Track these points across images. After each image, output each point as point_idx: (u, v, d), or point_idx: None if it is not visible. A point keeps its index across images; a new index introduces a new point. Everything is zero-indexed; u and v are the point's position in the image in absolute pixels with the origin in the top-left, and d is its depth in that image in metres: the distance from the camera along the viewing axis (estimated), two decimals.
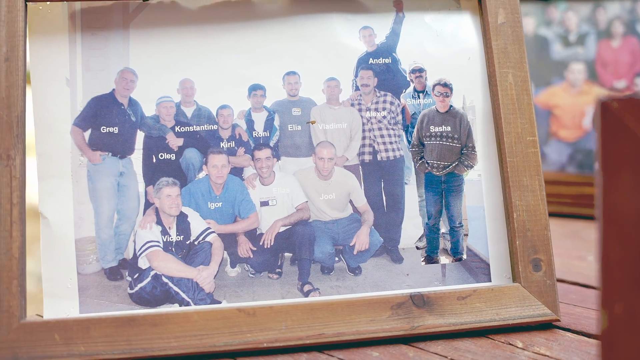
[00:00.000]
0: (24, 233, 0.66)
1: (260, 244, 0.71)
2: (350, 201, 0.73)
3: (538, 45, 1.16)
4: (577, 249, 1.05)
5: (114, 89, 0.71)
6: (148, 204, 0.71)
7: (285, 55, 0.73)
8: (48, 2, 0.70)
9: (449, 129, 0.74)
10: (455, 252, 0.73)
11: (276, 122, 0.73)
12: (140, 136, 0.71)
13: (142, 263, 0.70)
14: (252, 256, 0.71)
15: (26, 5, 0.68)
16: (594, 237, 1.07)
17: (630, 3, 1.11)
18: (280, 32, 0.73)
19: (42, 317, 0.67)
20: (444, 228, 0.73)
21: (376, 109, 0.73)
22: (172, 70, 0.72)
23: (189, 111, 0.72)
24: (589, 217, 1.16)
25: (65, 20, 0.71)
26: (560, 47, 1.15)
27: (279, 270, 0.71)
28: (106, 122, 0.71)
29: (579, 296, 0.80)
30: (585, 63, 1.12)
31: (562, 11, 1.15)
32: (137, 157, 0.71)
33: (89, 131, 0.71)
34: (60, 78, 0.71)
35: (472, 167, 0.74)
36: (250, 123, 0.72)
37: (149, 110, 0.71)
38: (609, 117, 0.46)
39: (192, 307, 0.68)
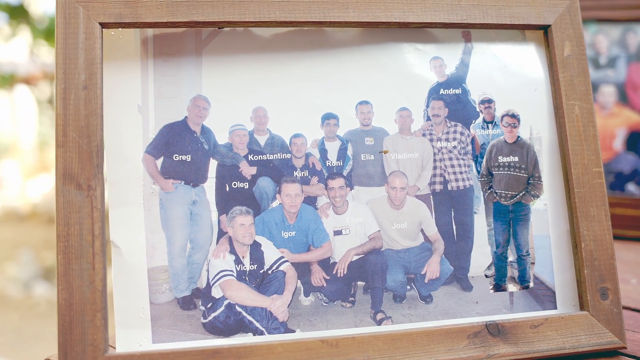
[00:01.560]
0: (105, 265, 0.65)
1: (334, 272, 0.71)
2: (422, 230, 0.73)
3: None
4: (619, 272, 1.07)
5: (186, 117, 0.71)
6: (221, 233, 0.70)
7: (358, 84, 0.73)
8: (120, 29, 0.69)
9: (516, 159, 0.75)
10: (522, 280, 0.74)
11: (349, 152, 0.73)
12: (213, 164, 0.71)
13: (216, 292, 0.69)
14: (325, 285, 0.71)
15: (102, 31, 0.68)
16: (633, 259, 1.09)
17: None
18: (353, 60, 0.74)
19: (114, 348, 0.67)
20: (511, 256, 0.74)
21: (447, 139, 0.74)
22: (245, 98, 0.72)
23: (262, 139, 0.72)
24: (621, 238, 1.18)
25: (137, 47, 0.71)
26: (591, 70, 1.17)
27: (352, 298, 0.71)
28: (179, 150, 0.70)
29: (634, 321, 0.82)
30: (616, 86, 1.14)
31: (593, 34, 1.17)
32: (210, 186, 0.71)
33: (161, 159, 0.70)
34: (132, 105, 0.70)
35: (538, 196, 0.75)
36: (323, 152, 0.72)
37: (222, 138, 0.71)
38: None
39: (275, 339, 0.68)
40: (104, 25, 0.67)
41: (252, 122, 0.72)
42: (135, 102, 0.70)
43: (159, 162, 0.70)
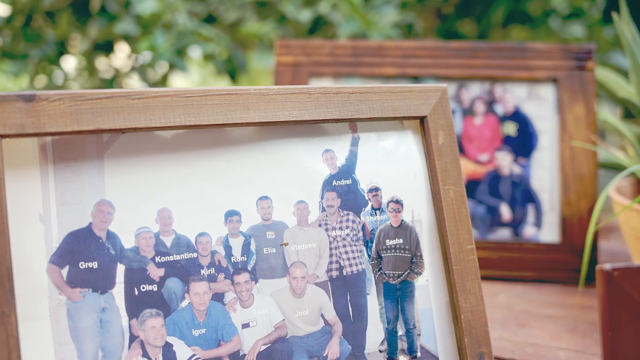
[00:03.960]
0: None
1: None
2: (322, 315, 0.78)
3: None
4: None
5: (90, 223, 0.70)
6: (133, 338, 0.70)
7: (257, 180, 0.76)
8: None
9: (401, 241, 0.82)
10: (411, 351, 0.81)
11: (252, 247, 0.76)
12: (120, 269, 0.71)
13: None
14: None
15: (0, 141, 0.65)
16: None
17: (489, 85, 1.26)
18: (252, 157, 0.76)
19: None
20: (400, 330, 0.81)
21: (340, 228, 0.79)
22: (150, 200, 0.72)
23: (168, 240, 0.72)
24: None
25: (36, 153, 0.68)
26: None
27: None
28: (84, 257, 0.69)
29: None
30: None
31: None
32: (118, 291, 0.70)
33: (67, 268, 0.69)
34: (33, 214, 0.68)
35: (421, 274, 0.82)
36: (228, 249, 0.74)
37: (128, 242, 0.71)
38: (610, 283, 0.57)
39: None
40: (3, 136, 0.65)
41: (158, 224, 0.72)
42: (37, 210, 0.68)
43: (65, 271, 0.68)
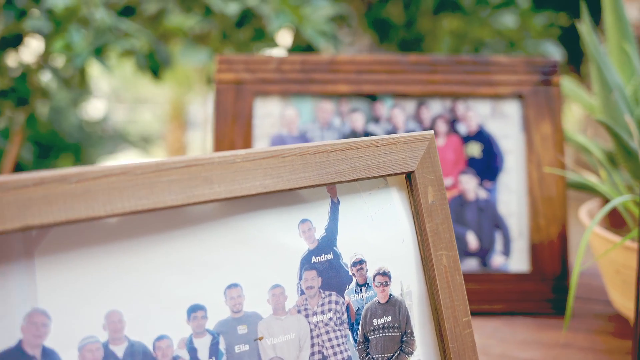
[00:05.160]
0: None
1: None
2: None
3: None
4: None
5: (21, 340, 0.55)
6: None
7: (224, 265, 0.63)
8: None
9: (389, 319, 0.71)
10: None
11: (221, 346, 0.63)
12: None
13: None
14: None
15: None
16: None
17: (450, 102, 1.16)
18: (216, 237, 0.63)
19: None
20: None
21: (322, 312, 0.67)
22: (94, 302, 0.58)
23: (119, 350, 0.59)
24: None
25: None
26: None
27: None
28: None
29: None
30: None
31: (389, 108, 1.17)
32: None
33: None
34: None
35: (412, 353, 0.72)
36: (193, 351, 0.61)
37: (70, 358, 0.57)
38: None
39: None
40: None
41: (106, 331, 0.58)
42: None
43: None
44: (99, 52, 1.81)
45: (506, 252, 1.16)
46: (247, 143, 1.15)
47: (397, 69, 1.16)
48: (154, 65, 2.19)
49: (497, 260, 1.16)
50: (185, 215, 0.62)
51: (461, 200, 1.16)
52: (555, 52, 2.41)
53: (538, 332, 1.09)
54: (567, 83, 1.30)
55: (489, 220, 1.16)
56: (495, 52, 2.49)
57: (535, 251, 1.15)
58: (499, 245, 1.16)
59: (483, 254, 1.16)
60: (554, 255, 1.15)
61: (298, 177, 0.65)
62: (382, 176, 0.70)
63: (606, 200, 1.20)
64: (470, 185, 1.16)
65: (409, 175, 0.72)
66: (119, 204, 0.57)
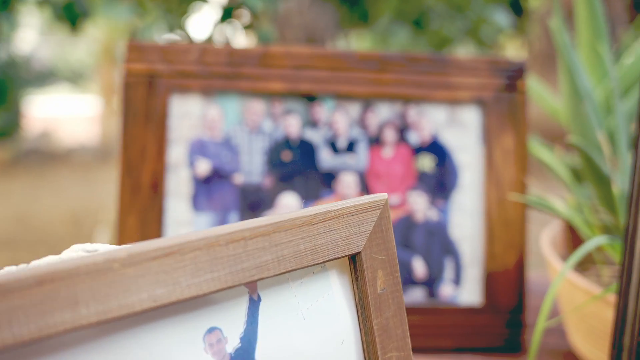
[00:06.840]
0: None
1: None
2: None
3: (303, 151, 0.99)
4: None
5: None
6: None
7: None
8: None
9: None
10: None
11: None
12: None
13: None
14: None
15: None
16: None
17: (401, 106, 1.00)
18: None
19: None
20: None
21: None
22: None
23: None
24: None
25: None
26: (329, 155, 0.99)
27: None
28: None
29: None
30: (357, 173, 0.99)
31: (330, 110, 1.00)
32: None
33: None
34: None
35: None
36: None
37: None
38: None
39: None
40: None
41: None
42: None
43: None
44: (5, 7, 1.55)
45: (457, 280, 1.02)
46: (160, 148, 0.96)
47: (340, 65, 0.98)
48: (72, 16, 1.94)
49: (446, 290, 1.02)
50: (45, 346, 0.44)
51: (408, 222, 1.00)
52: (503, 19, 2.26)
53: None
54: (531, 83, 1.15)
55: (439, 245, 1.01)
56: (440, 18, 2.32)
57: (490, 281, 1.01)
58: (449, 273, 1.02)
59: (431, 282, 1.01)
60: (509, 286, 1.02)
61: (203, 280, 0.47)
62: (317, 264, 0.53)
63: (569, 226, 1.06)
64: (419, 204, 1.00)
65: (353, 257, 0.56)
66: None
